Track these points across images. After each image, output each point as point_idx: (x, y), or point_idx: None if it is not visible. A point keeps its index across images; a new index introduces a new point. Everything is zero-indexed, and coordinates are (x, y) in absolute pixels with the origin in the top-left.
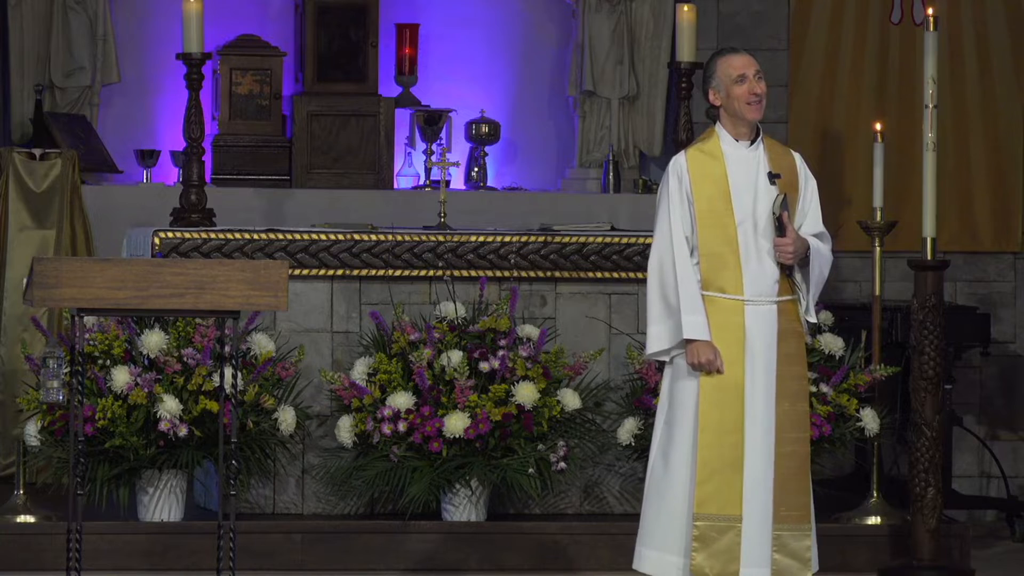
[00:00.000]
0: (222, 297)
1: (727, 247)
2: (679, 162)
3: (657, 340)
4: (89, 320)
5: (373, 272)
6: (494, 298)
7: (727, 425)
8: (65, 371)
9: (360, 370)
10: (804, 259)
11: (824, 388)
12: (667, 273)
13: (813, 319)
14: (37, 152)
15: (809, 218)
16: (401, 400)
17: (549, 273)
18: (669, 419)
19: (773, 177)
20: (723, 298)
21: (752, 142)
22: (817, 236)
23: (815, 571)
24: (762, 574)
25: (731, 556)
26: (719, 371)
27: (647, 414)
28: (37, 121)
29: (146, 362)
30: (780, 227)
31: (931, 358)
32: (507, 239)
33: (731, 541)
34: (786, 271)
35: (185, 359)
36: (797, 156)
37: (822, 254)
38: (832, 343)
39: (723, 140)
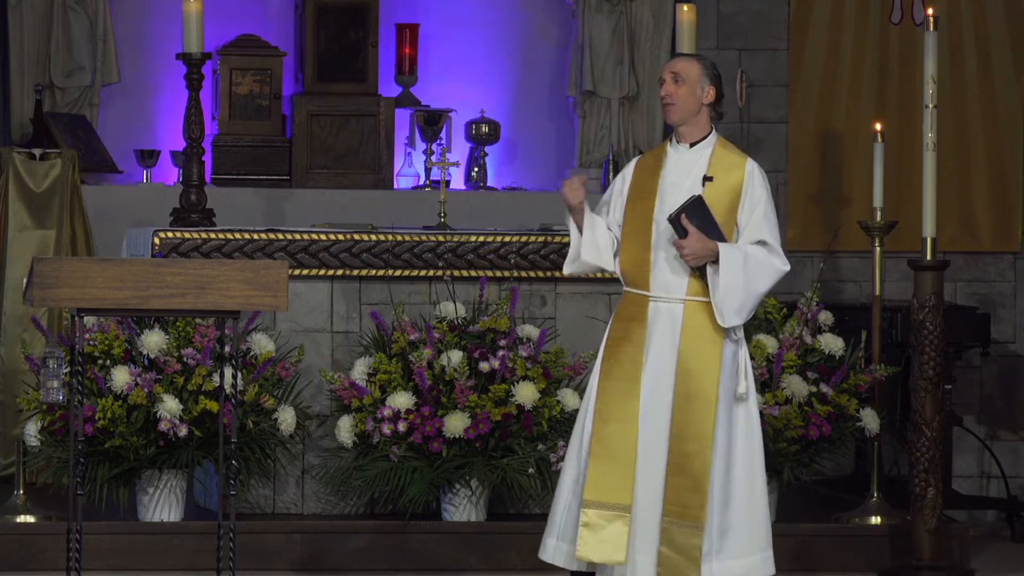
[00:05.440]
0: (222, 297)
1: (641, 244)
2: (630, 164)
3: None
4: (89, 320)
5: (373, 272)
6: (494, 298)
7: (619, 415)
8: (65, 371)
9: (360, 370)
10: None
11: (824, 388)
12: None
13: (724, 324)
14: (37, 152)
15: (750, 227)
16: (401, 400)
17: (549, 273)
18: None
19: (705, 180)
20: (635, 293)
21: (694, 144)
22: (758, 244)
23: (771, 573)
24: (646, 563)
25: (618, 545)
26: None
27: None
28: (37, 121)
29: (146, 362)
30: (678, 229)
31: (931, 358)
32: (507, 239)
33: (619, 530)
34: (698, 272)
35: (185, 359)
36: (751, 165)
37: (750, 262)
38: (832, 343)
39: (671, 143)
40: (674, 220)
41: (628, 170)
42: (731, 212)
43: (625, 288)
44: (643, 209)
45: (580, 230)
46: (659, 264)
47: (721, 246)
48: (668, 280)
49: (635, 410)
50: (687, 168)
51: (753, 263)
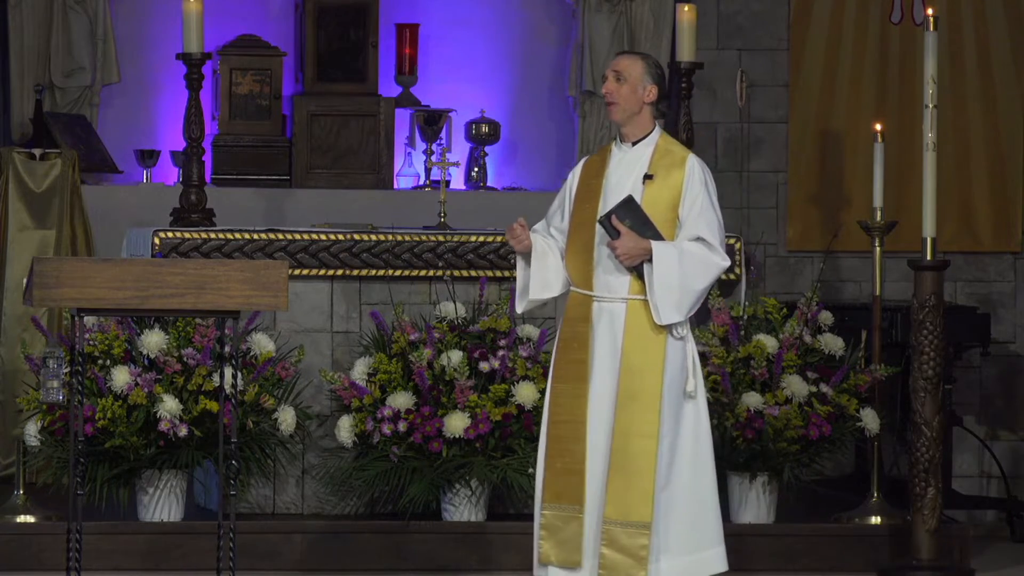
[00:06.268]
0: (222, 297)
1: (584, 245)
2: (578, 165)
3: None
4: (89, 320)
5: (373, 272)
6: (494, 298)
7: (568, 416)
8: (65, 371)
9: (360, 370)
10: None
11: (824, 388)
12: None
13: (661, 322)
14: (37, 152)
15: (687, 223)
16: (401, 400)
17: None
18: None
19: (645, 178)
20: (580, 293)
21: (636, 143)
22: (696, 241)
23: (724, 571)
24: (590, 564)
25: (575, 545)
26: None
27: None
28: (37, 121)
29: (146, 362)
30: (609, 230)
31: (931, 358)
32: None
33: (574, 531)
34: (636, 272)
35: (185, 359)
36: (692, 161)
37: (685, 258)
38: (832, 343)
39: (616, 142)
40: (604, 221)
41: (576, 171)
42: (673, 209)
43: (571, 288)
44: (587, 210)
45: (528, 264)
46: (601, 265)
47: (655, 244)
48: (610, 280)
49: (584, 410)
50: (630, 167)
51: (689, 260)
